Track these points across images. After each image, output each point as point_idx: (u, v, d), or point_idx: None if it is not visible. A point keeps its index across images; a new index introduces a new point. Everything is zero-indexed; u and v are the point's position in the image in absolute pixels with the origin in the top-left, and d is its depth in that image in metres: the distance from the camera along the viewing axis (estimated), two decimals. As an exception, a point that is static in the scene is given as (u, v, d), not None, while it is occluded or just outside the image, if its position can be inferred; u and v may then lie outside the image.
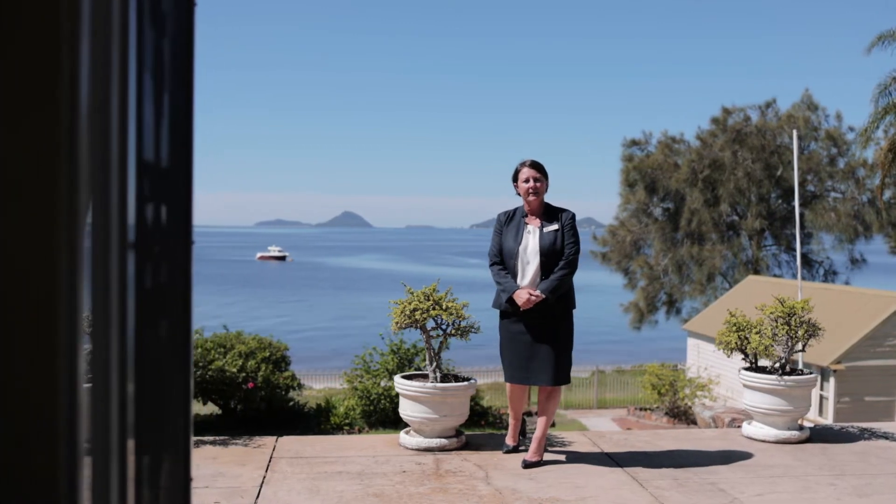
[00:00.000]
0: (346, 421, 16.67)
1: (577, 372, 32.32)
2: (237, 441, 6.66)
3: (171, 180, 1.73)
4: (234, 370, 15.43)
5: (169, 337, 1.78)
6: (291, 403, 17.01)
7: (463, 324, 6.55)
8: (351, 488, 5.43)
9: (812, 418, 21.77)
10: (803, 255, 36.30)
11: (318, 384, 28.67)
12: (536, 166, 6.11)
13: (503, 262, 6.12)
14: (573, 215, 6.09)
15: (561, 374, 6.01)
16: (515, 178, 6.16)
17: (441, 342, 6.61)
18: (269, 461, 6.08)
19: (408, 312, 6.45)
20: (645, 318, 39.12)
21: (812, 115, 34.88)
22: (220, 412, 16.53)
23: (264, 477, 5.68)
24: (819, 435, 7.07)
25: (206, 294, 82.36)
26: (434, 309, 6.46)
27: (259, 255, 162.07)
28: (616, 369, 35.44)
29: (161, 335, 1.67)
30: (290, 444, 6.63)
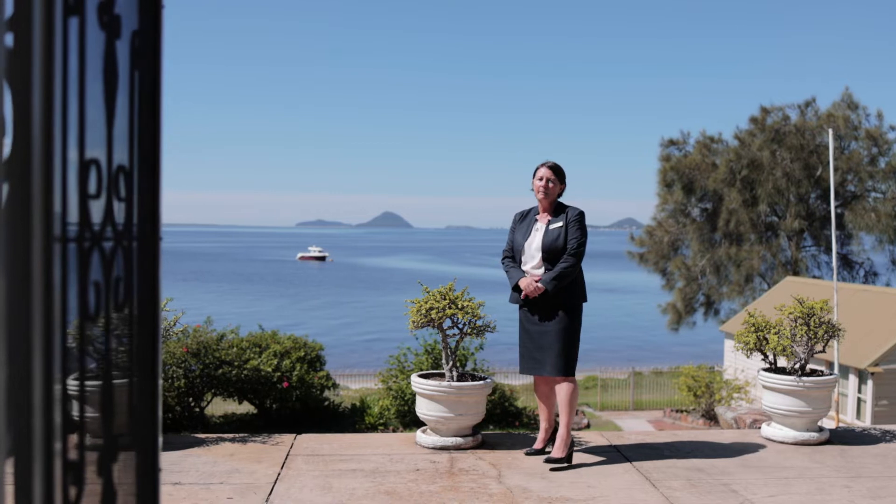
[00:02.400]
0: (381, 421, 16.74)
1: (613, 373, 32.34)
2: (256, 438, 6.74)
3: (128, 178, 1.77)
4: (270, 369, 15.55)
5: (128, 333, 1.82)
6: (326, 403, 17.11)
7: (479, 323, 6.58)
8: (363, 486, 5.48)
9: (849, 422, 21.49)
10: (843, 256, 35.84)
11: (354, 384, 28.81)
12: (553, 168, 6.29)
13: (514, 257, 6.35)
14: (580, 212, 6.23)
15: (567, 366, 6.08)
16: (534, 176, 6.33)
17: (458, 341, 6.65)
18: (286, 458, 6.15)
19: (423, 311, 6.49)
20: (683, 320, 38.78)
21: (852, 115, 34.35)
22: (255, 411, 16.67)
23: (279, 474, 5.75)
24: (839, 437, 7.00)
25: (243, 293, 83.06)
26: (450, 308, 6.50)
27: (299, 255, 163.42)
28: (653, 370, 35.23)
29: (114, 332, 1.71)
30: (308, 441, 6.69)
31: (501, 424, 17.52)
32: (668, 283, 39.54)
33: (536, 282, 6.05)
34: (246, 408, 17.20)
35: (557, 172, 6.27)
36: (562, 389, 6.16)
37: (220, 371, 14.99)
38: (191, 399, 15.14)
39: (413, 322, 6.54)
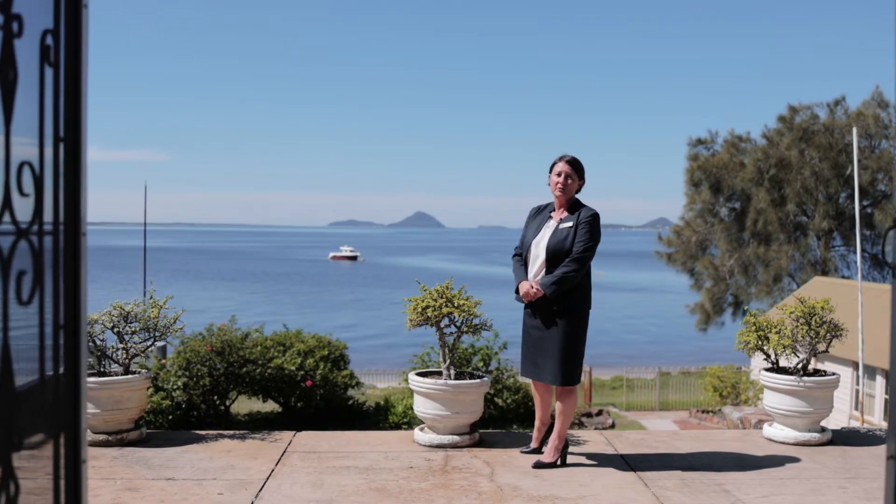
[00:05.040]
0: (405, 420, 16.75)
1: (640, 373, 32.15)
2: (255, 435, 6.78)
3: (38, 175, 1.79)
4: (293, 368, 15.61)
5: (39, 326, 1.84)
6: (350, 402, 17.14)
7: (475, 321, 6.57)
8: (355, 482, 5.50)
9: (876, 423, 21.24)
10: (874, 256, 35.41)
11: (381, 383, 28.90)
12: (573, 163, 5.99)
13: (523, 254, 6.12)
14: (593, 214, 5.91)
15: (567, 374, 5.86)
16: (551, 170, 6.05)
17: (455, 339, 6.64)
18: (282, 455, 6.18)
19: (420, 310, 6.49)
20: (711, 320, 38.48)
21: (882, 113, 33.81)
22: (280, 410, 16.74)
23: (272, 470, 5.79)
24: (842, 437, 6.92)
25: (271, 293, 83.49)
26: (447, 307, 6.49)
27: (332, 254, 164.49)
28: (681, 371, 34.98)
29: (17, 331, 1.73)
30: (306, 438, 6.73)
31: (525, 424, 17.45)
32: (696, 283, 39.24)
33: (532, 286, 5.83)
34: (271, 406, 17.29)
35: (576, 168, 5.98)
36: (561, 398, 6.06)
37: (244, 369, 15.08)
38: (216, 397, 15.24)
39: (410, 321, 6.54)
